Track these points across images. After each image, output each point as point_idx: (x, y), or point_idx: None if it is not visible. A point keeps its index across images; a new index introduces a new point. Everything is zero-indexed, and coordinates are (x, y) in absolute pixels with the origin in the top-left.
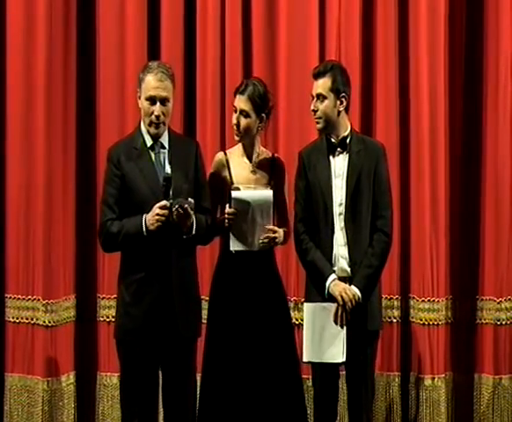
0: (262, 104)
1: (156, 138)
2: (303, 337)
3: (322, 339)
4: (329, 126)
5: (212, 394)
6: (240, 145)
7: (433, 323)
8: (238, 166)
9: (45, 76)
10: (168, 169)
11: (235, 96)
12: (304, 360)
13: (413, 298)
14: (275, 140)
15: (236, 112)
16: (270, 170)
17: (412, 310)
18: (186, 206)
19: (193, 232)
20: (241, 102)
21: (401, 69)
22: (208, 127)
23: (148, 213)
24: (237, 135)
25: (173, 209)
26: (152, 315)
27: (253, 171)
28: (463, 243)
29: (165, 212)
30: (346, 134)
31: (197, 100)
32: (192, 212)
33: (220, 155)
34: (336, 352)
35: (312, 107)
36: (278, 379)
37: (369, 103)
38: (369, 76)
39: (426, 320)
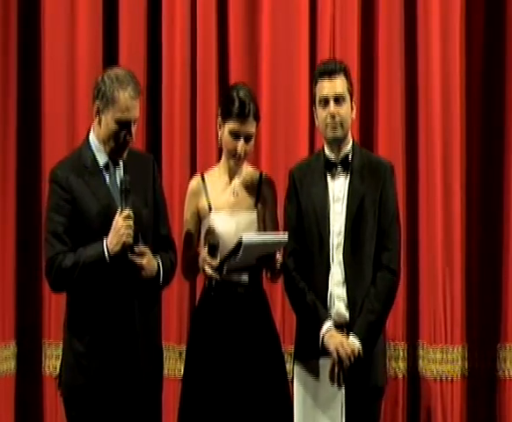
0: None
1: (113, 157)
2: (294, 398)
3: (317, 401)
4: (346, 134)
5: None
6: (221, 165)
7: (446, 377)
8: (217, 188)
9: None
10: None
11: (231, 117)
12: None
13: (423, 346)
14: (256, 156)
15: (238, 137)
16: (256, 192)
17: (421, 361)
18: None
19: (160, 281)
20: (249, 126)
21: (408, 69)
22: (176, 146)
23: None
24: (239, 163)
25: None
26: (112, 367)
27: (235, 193)
28: (482, 278)
29: (130, 223)
30: (348, 149)
31: (163, 113)
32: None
33: (196, 179)
34: (333, 415)
35: (333, 110)
36: None
37: (368, 110)
38: (370, 77)
39: (438, 372)
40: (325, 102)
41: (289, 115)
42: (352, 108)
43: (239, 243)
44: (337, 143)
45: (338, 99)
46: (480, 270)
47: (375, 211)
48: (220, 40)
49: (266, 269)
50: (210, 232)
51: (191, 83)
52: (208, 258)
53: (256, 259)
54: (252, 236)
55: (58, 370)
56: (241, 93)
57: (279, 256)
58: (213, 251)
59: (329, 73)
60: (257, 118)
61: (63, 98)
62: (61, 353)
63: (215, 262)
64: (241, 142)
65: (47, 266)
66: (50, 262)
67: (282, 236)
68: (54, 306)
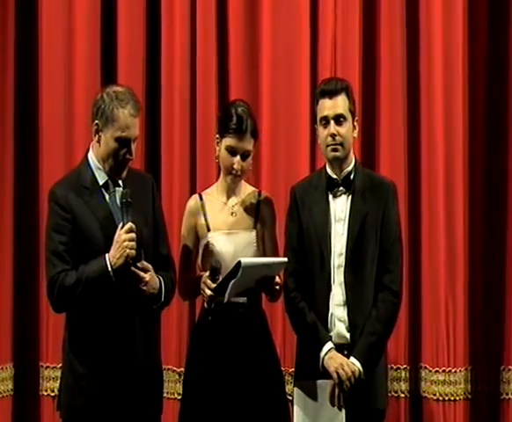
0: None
1: (113, 176)
2: (294, 420)
3: None
4: (347, 155)
5: None
6: (219, 184)
7: (449, 399)
8: (215, 208)
9: None
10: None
11: (228, 133)
12: None
13: (425, 368)
14: (257, 174)
15: (235, 154)
16: (255, 212)
17: (423, 383)
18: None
19: (162, 299)
20: (246, 143)
21: (410, 87)
22: (175, 164)
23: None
24: (235, 181)
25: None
26: (113, 389)
27: (233, 213)
28: (486, 300)
29: (133, 236)
30: (350, 169)
31: (162, 127)
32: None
33: (193, 199)
34: None
35: (333, 130)
36: None
37: (370, 127)
38: (372, 93)
39: (440, 395)
40: (326, 122)
41: (290, 133)
42: (354, 127)
43: (237, 266)
44: (338, 163)
45: (338, 119)
46: (484, 291)
47: (376, 231)
48: (220, 49)
49: (265, 291)
50: (208, 253)
51: (190, 99)
52: (207, 281)
53: (255, 282)
54: (250, 259)
55: (57, 391)
56: (239, 109)
57: (278, 279)
58: (215, 273)
59: (330, 92)
60: (255, 135)
61: (61, 105)
62: (59, 375)
63: (214, 285)
64: (237, 159)
65: (49, 286)
66: (52, 281)
67: (282, 259)
68: (52, 327)
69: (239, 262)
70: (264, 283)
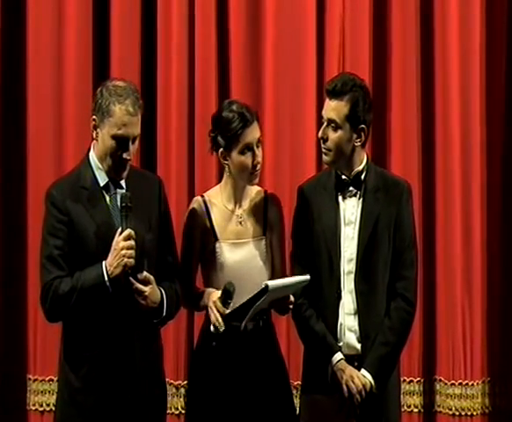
0: None
1: (112, 176)
2: None
3: None
4: (339, 160)
5: None
6: (223, 190)
7: (466, 414)
8: (222, 216)
9: None
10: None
11: (237, 137)
12: None
13: (440, 381)
14: (261, 174)
15: (251, 149)
16: (263, 217)
17: (438, 397)
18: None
19: (164, 314)
20: (255, 131)
21: (424, 82)
22: (172, 163)
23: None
24: (257, 177)
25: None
26: (109, 405)
27: (242, 222)
28: (504, 308)
29: (132, 243)
30: (360, 168)
31: (158, 129)
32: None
33: (197, 201)
34: None
35: (321, 134)
36: None
37: (381, 125)
38: (383, 90)
39: (457, 409)
40: (322, 121)
41: (295, 131)
42: (358, 136)
43: (264, 290)
44: (332, 166)
45: (330, 124)
46: (502, 300)
47: (389, 235)
48: (220, 46)
49: (277, 309)
50: (216, 264)
51: (188, 98)
52: (218, 304)
53: (269, 303)
54: (276, 281)
55: (45, 406)
56: (233, 107)
57: (291, 296)
58: (227, 296)
59: (329, 93)
60: (257, 118)
61: (49, 106)
62: (48, 388)
63: (227, 310)
64: (255, 152)
65: (43, 292)
66: (46, 288)
67: (305, 277)
68: (41, 338)
69: (267, 286)
70: (278, 302)
